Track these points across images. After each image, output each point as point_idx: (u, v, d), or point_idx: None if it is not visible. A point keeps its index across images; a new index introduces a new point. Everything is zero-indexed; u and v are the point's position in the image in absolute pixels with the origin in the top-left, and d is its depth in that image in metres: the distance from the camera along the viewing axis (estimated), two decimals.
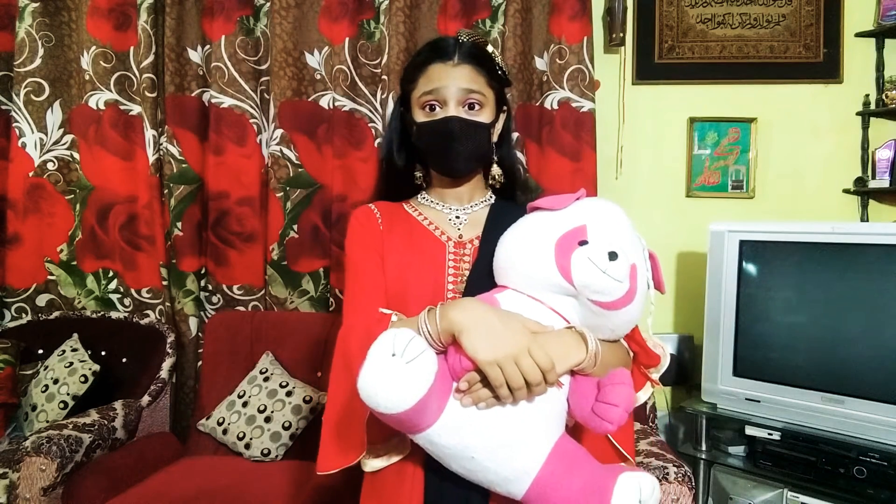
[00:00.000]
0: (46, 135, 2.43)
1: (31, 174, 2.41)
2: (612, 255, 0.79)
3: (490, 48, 1.04)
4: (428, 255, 1.00)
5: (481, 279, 0.93)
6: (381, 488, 0.93)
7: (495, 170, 1.08)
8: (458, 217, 1.05)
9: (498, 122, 1.07)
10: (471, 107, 0.99)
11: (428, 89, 0.98)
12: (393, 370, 0.69)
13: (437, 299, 0.96)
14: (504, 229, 0.93)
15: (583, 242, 0.81)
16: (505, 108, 1.08)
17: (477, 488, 0.83)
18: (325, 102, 2.36)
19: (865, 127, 2.33)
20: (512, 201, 1.10)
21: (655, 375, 0.99)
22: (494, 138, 1.06)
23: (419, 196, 1.10)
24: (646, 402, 1.99)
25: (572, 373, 0.82)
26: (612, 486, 0.76)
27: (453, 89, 0.97)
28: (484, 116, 1.01)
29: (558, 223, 0.84)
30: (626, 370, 0.81)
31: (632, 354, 0.95)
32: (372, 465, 0.92)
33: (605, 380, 0.80)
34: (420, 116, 1.01)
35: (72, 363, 2.13)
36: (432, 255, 1.00)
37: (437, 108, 0.99)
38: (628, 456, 0.97)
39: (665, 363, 0.98)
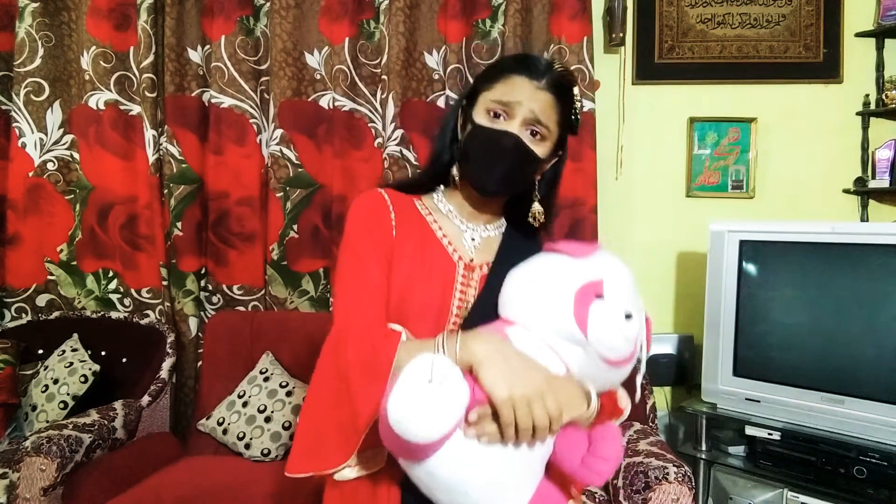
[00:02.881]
0: (46, 135, 2.43)
1: (31, 174, 2.41)
2: (629, 316, 0.82)
3: (577, 90, 0.99)
4: (438, 274, 0.95)
5: (486, 309, 0.90)
6: (351, 500, 0.90)
7: (536, 207, 1.02)
8: (472, 239, 1.01)
9: (549, 164, 1.03)
10: (532, 134, 0.95)
11: (504, 99, 0.94)
12: (429, 399, 0.67)
13: (440, 322, 0.93)
14: (516, 261, 0.91)
15: (599, 296, 0.81)
16: (561, 152, 1.04)
17: None
18: (325, 102, 2.36)
19: (865, 127, 2.33)
20: (521, 233, 1.05)
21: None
22: (538, 175, 1.02)
23: (435, 195, 1.04)
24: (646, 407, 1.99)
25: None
26: None
27: (526, 109, 0.93)
28: (540, 149, 0.96)
29: (578, 272, 0.83)
30: (616, 425, 0.82)
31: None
32: (343, 474, 0.88)
33: (597, 433, 0.81)
34: (482, 119, 0.96)
35: (72, 363, 2.13)
36: (442, 274, 0.96)
37: (502, 119, 0.95)
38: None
39: (625, 416, 0.97)
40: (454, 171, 1.01)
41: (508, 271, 0.90)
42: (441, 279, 0.95)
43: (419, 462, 0.75)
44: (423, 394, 0.67)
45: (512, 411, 0.72)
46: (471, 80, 1.11)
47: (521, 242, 1.02)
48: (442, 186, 1.05)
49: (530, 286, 0.86)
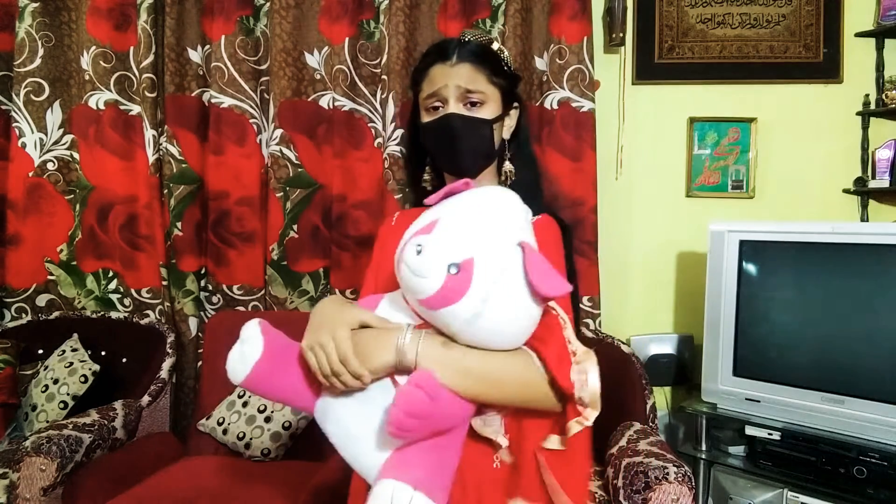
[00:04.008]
0: (46, 135, 2.43)
1: (30, 174, 2.41)
2: (419, 250, 0.74)
3: (496, 45, 1.05)
4: None
5: None
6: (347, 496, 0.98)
7: (507, 166, 1.07)
8: None
9: (509, 119, 1.06)
10: (471, 104, 1.00)
11: (430, 91, 1.00)
12: (234, 350, 0.84)
13: None
14: None
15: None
16: (517, 104, 1.08)
17: None
18: (324, 102, 2.36)
19: (865, 127, 2.33)
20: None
21: (586, 410, 0.79)
22: (506, 135, 1.06)
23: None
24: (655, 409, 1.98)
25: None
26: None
27: (451, 88, 0.99)
28: (485, 113, 1.01)
29: (421, 220, 0.81)
30: (429, 373, 0.75)
31: (544, 373, 0.80)
32: None
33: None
34: (425, 118, 1.03)
35: (72, 363, 2.13)
36: None
37: (440, 108, 1.01)
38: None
39: (584, 393, 0.78)
40: (426, 176, 1.09)
41: None
42: None
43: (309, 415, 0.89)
44: (233, 348, 0.84)
45: (312, 356, 0.80)
46: None
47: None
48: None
49: None
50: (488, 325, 0.75)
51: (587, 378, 0.78)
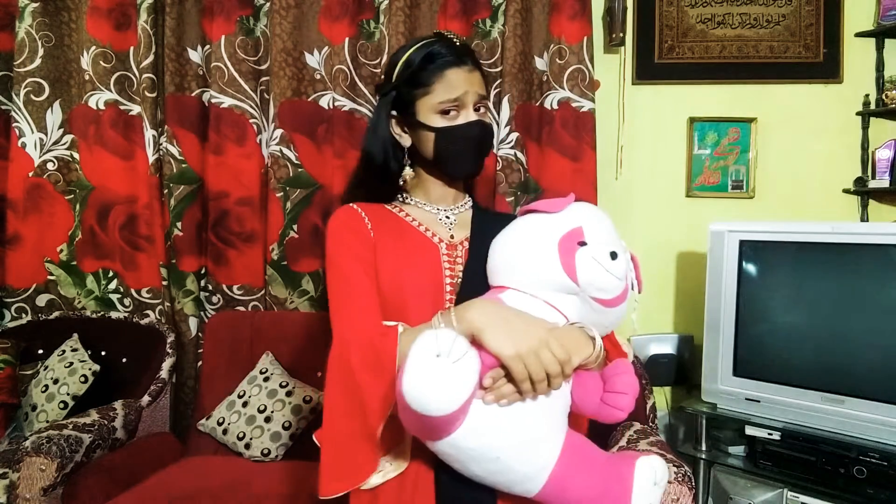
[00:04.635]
0: (46, 135, 2.43)
1: (30, 174, 2.41)
2: (613, 255, 0.83)
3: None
4: (423, 258, 0.99)
5: (475, 280, 0.94)
6: (384, 497, 0.89)
7: None
8: (447, 217, 1.05)
9: None
10: (478, 110, 1.02)
11: (452, 96, 0.98)
12: (441, 371, 0.68)
13: (437, 302, 0.95)
14: (492, 231, 0.95)
15: (581, 243, 0.84)
16: None
17: (486, 490, 0.84)
18: (324, 102, 2.36)
19: (865, 127, 2.33)
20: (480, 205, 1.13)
21: None
22: None
23: (402, 197, 1.09)
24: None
25: (575, 369, 0.83)
26: (631, 471, 0.82)
27: (471, 95, 1.00)
28: (489, 119, 1.05)
29: (557, 225, 0.87)
30: (626, 360, 0.85)
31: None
32: (371, 482, 0.87)
33: (609, 371, 0.84)
34: (438, 122, 0.99)
35: (72, 363, 2.13)
36: (427, 257, 0.99)
37: (454, 113, 1.00)
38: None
39: (631, 358, 1.03)
40: (407, 173, 1.06)
41: (485, 241, 0.95)
42: (427, 262, 0.98)
43: (444, 438, 0.77)
44: (434, 367, 0.68)
45: (522, 365, 0.75)
46: None
47: (491, 213, 1.10)
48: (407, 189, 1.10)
49: (515, 249, 0.89)
50: (621, 315, 0.90)
51: (630, 350, 1.00)
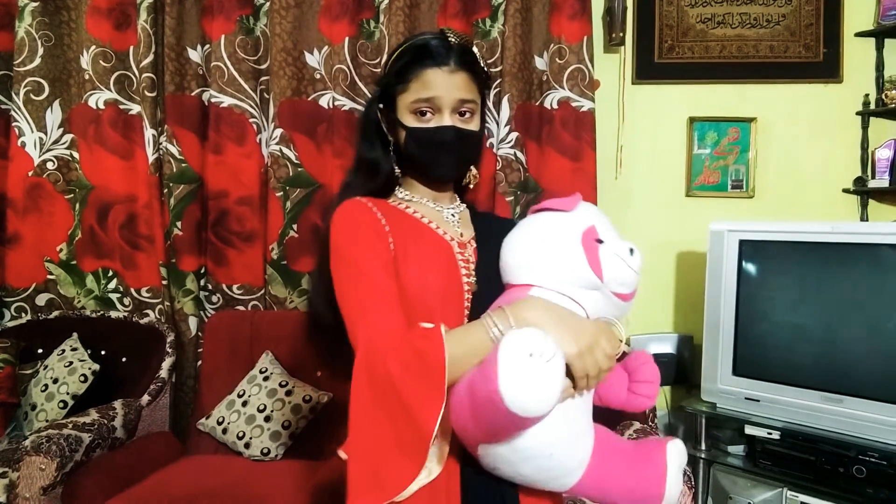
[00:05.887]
0: (46, 134, 2.43)
1: (30, 173, 2.41)
2: (632, 251, 0.87)
3: (475, 49, 1.00)
4: (440, 258, 0.95)
5: (489, 279, 0.93)
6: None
7: (473, 171, 1.05)
8: (453, 216, 1.02)
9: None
10: (462, 115, 0.96)
11: (424, 96, 0.93)
12: (537, 370, 0.68)
13: (458, 302, 0.93)
14: (495, 230, 0.95)
15: (598, 241, 0.86)
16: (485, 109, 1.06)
17: (508, 485, 0.85)
18: (324, 102, 2.36)
19: (865, 126, 2.33)
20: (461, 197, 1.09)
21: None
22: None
23: (400, 192, 1.03)
24: None
25: None
26: (663, 456, 0.86)
27: (449, 99, 0.93)
28: (475, 125, 0.98)
29: (574, 223, 0.88)
30: (645, 351, 0.91)
31: None
32: (409, 490, 0.81)
33: (631, 362, 0.91)
34: (410, 121, 0.96)
35: (71, 363, 2.13)
36: (444, 257, 0.95)
37: (430, 115, 0.95)
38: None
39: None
40: (398, 171, 1.02)
41: (490, 240, 0.95)
42: (445, 262, 0.95)
43: (513, 438, 0.77)
44: (530, 367, 0.68)
45: (583, 363, 0.77)
46: None
47: (485, 214, 1.10)
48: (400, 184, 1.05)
49: (536, 247, 0.89)
50: (631, 307, 0.91)
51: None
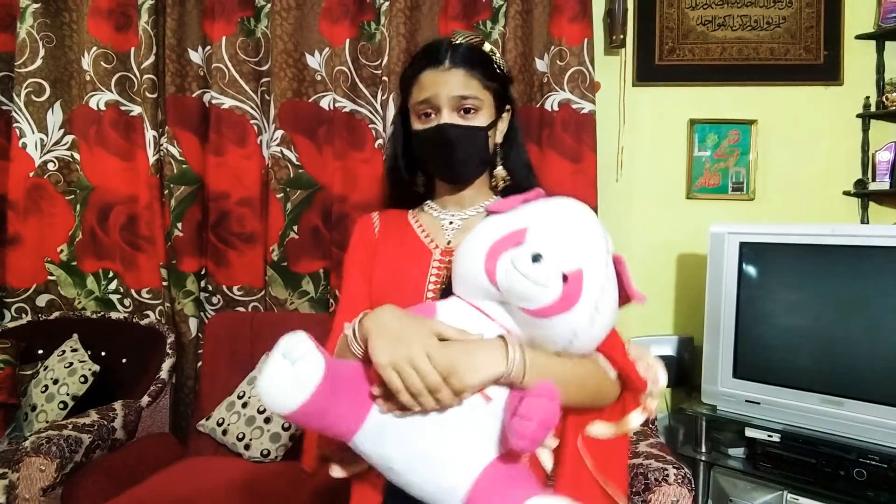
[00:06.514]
0: (47, 135, 2.43)
1: (31, 174, 2.41)
2: (536, 258, 0.72)
3: (488, 46, 1.00)
4: (414, 263, 0.98)
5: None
6: (348, 497, 0.95)
7: (499, 172, 1.03)
8: (451, 223, 1.02)
9: (501, 122, 1.03)
10: (465, 111, 0.96)
11: (421, 98, 0.96)
12: (280, 371, 0.69)
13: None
14: None
15: (519, 244, 0.75)
16: (509, 107, 1.04)
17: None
18: (325, 103, 2.36)
19: (866, 129, 2.33)
20: None
21: (651, 402, 0.89)
22: (498, 139, 1.02)
23: (424, 204, 1.08)
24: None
25: (511, 388, 0.76)
26: None
27: (444, 96, 0.95)
28: (480, 120, 0.97)
29: (501, 226, 0.79)
30: (551, 383, 0.73)
31: (613, 374, 0.87)
32: (336, 472, 0.88)
33: (525, 392, 0.73)
34: (416, 124, 0.99)
35: (72, 363, 2.13)
36: (418, 262, 0.98)
37: (432, 116, 0.96)
38: (618, 497, 0.88)
39: (655, 388, 0.88)
40: (419, 180, 1.06)
41: None
42: (416, 267, 0.98)
43: (347, 441, 0.76)
44: (276, 368, 0.70)
45: (395, 375, 0.71)
46: None
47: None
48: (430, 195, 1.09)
49: (457, 254, 0.83)
50: (594, 333, 0.78)
51: (657, 375, 0.88)
